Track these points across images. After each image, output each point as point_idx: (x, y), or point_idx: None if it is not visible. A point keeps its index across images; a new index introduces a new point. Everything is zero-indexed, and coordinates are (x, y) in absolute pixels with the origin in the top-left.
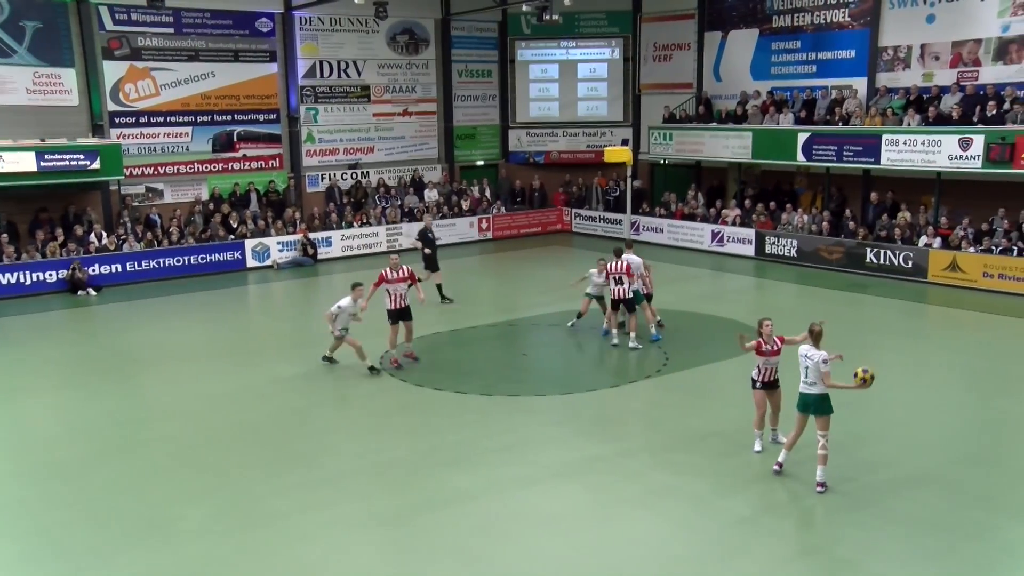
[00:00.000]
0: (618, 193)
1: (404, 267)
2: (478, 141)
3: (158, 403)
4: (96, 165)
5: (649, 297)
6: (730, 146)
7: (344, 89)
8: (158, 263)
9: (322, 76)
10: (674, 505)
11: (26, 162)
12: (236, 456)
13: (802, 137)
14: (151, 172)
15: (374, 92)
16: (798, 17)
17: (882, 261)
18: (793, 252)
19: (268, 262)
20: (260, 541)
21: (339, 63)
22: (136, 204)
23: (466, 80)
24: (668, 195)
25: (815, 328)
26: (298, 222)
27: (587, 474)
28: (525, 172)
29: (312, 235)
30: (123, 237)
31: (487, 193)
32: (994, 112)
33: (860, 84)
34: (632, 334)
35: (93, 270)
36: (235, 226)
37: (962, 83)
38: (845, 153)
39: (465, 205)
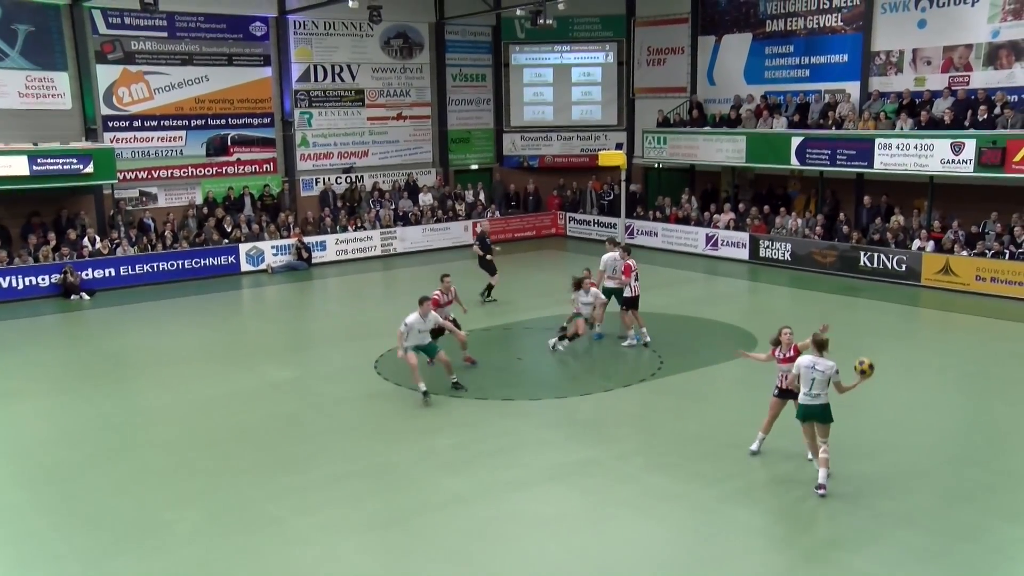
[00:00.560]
0: (611, 197)
1: (453, 288)
2: (472, 145)
3: (151, 407)
4: (89, 169)
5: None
6: (724, 150)
7: (338, 93)
8: (152, 267)
9: (316, 80)
10: (668, 508)
11: (18, 166)
12: (230, 460)
13: (795, 141)
14: (145, 176)
15: (368, 96)
16: (791, 21)
17: (875, 265)
18: (787, 256)
19: (262, 266)
20: (254, 545)
21: (333, 67)
22: (129, 208)
23: (460, 84)
24: (662, 199)
25: (819, 338)
26: (292, 226)
27: (581, 477)
28: (519, 176)
29: (306, 239)
30: (116, 241)
31: (481, 197)
32: (985, 116)
33: (853, 88)
34: (630, 332)
35: (86, 274)
36: (229, 230)
37: (953, 87)
38: (838, 157)
39: (459, 208)
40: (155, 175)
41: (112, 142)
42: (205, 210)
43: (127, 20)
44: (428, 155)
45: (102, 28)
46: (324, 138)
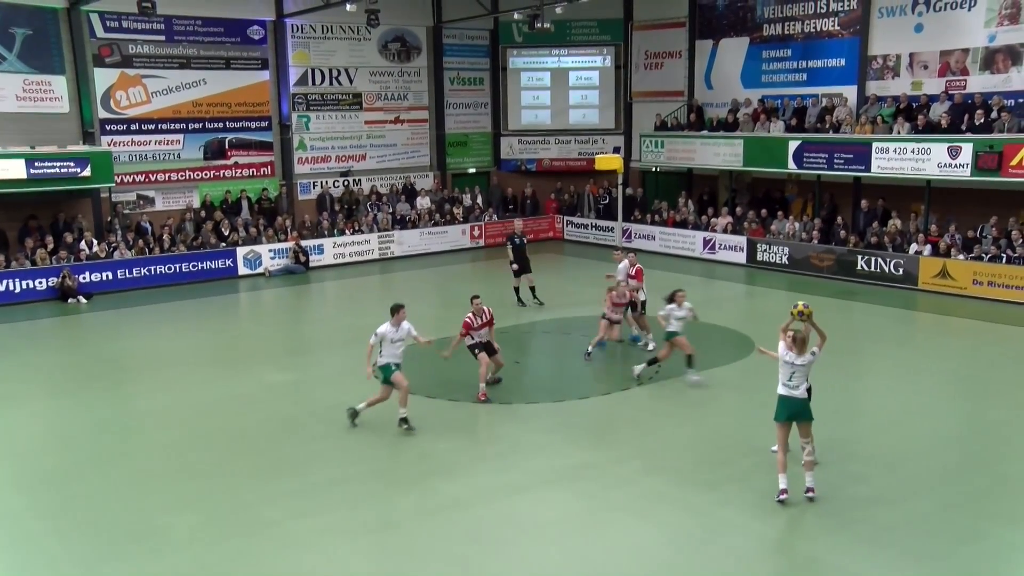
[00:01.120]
0: (608, 201)
1: (486, 309)
2: (470, 148)
3: (148, 411)
4: (86, 172)
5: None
6: (721, 154)
7: (336, 97)
8: (149, 271)
9: (314, 84)
10: (666, 512)
11: (15, 169)
12: (226, 464)
13: (793, 145)
14: (142, 179)
15: (366, 100)
16: (788, 26)
17: (873, 268)
18: (784, 259)
19: (260, 270)
20: (250, 549)
21: (331, 71)
22: (127, 212)
23: (458, 88)
24: (659, 203)
25: (798, 337)
26: (289, 230)
27: (578, 481)
28: (517, 179)
29: (304, 243)
30: (114, 245)
31: (479, 200)
32: (982, 120)
33: (850, 92)
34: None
35: (83, 278)
36: (226, 234)
37: (950, 92)
38: (836, 161)
39: (457, 211)
40: (152, 178)
41: (109, 145)
42: (203, 213)
43: (125, 24)
44: (426, 159)
45: (100, 32)
46: (322, 141)
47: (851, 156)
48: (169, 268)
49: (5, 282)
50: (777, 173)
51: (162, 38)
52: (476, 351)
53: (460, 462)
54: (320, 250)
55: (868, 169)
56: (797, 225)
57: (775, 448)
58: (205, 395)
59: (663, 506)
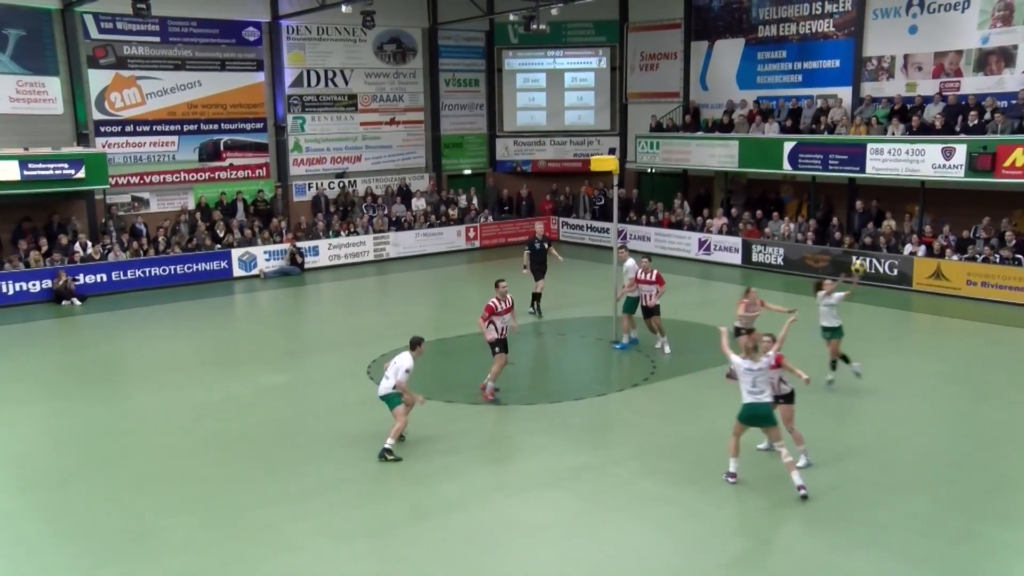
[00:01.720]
0: (603, 202)
1: (509, 296)
2: (465, 150)
3: (144, 413)
4: (81, 174)
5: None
6: (716, 155)
7: (331, 98)
8: (144, 272)
9: (309, 85)
10: (663, 513)
11: (9, 171)
12: (222, 466)
13: (788, 146)
14: (137, 181)
15: (361, 101)
16: (783, 27)
17: (868, 269)
18: (779, 260)
19: (255, 271)
20: (246, 552)
21: (326, 72)
22: (121, 213)
23: (453, 89)
24: (655, 204)
25: (748, 345)
26: (285, 231)
27: (575, 483)
28: (512, 181)
29: (299, 244)
30: (108, 246)
31: (474, 202)
32: (976, 122)
33: (845, 94)
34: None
35: (77, 280)
36: (222, 235)
37: (944, 93)
38: (830, 162)
39: (453, 212)
40: (147, 180)
41: (104, 147)
42: (198, 215)
43: (119, 25)
44: (421, 160)
45: (94, 33)
46: (317, 143)
47: (846, 157)
48: (164, 270)
49: None
50: (772, 174)
51: (157, 39)
52: (496, 349)
53: (456, 464)
54: (316, 252)
55: (863, 170)
56: (792, 226)
57: (762, 445)
58: (201, 397)
59: (660, 507)
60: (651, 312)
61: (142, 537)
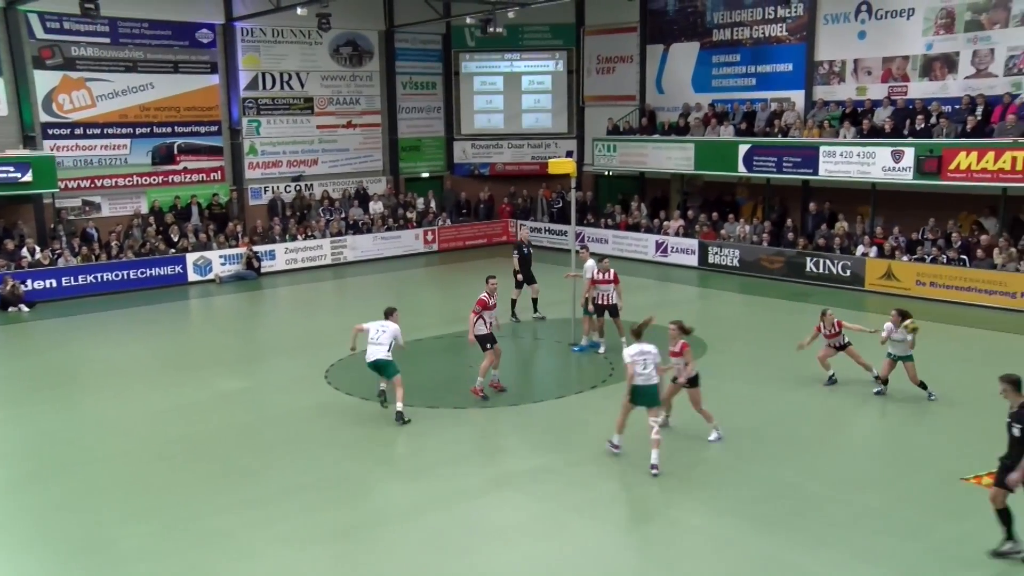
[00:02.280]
0: (561, 204)
1: (497, 293)
2: (423, 153)
3: (96, 421)
4: (28, 178)
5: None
6: (673, 157)
7: (287, 101)
8: (95, 278)
9: (264, 88)
10: (622, 513)
11: None
12: (179, 474)
13: (743, 149)
14: (88, 185)
15: (317, 104)
16: (737, 31)
17: (821, 270)
18: (735, 262)
19: (210, 276)
20: (204, 559)
21: (282, 75)
22: (72, 218)
23: (410, 92)
24: (612, 206)
25: (637, 328)
26: (241, 235)
27: (535, 484)
28: (470, 184)
29: (255, 248)
30: (58, 251)
31: (432, 205)
32: (923, 126)
33: (798, 97)
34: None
35: (25, 285)
36: (176, 240)
37: (893, 97)
38: (784, 164)
39: (411, 216)
40: (99, 184)
41: (52, 150)
42: (151, 219)
43: (66, 25)
44: (378, 163)
45: (39, 33)
46: (273, 146)
47: (799, 160)
48: (116, 275)
49: None
50: (728, 176)
51: (107, 40)
52: (489, 344)
53: (417, 467)
54: (272, 256)
55: (816, 172)
56: (748, 228)
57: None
58: (156, 404)
59: (619, 508)
60: (612, 312)
61: (97, 547)
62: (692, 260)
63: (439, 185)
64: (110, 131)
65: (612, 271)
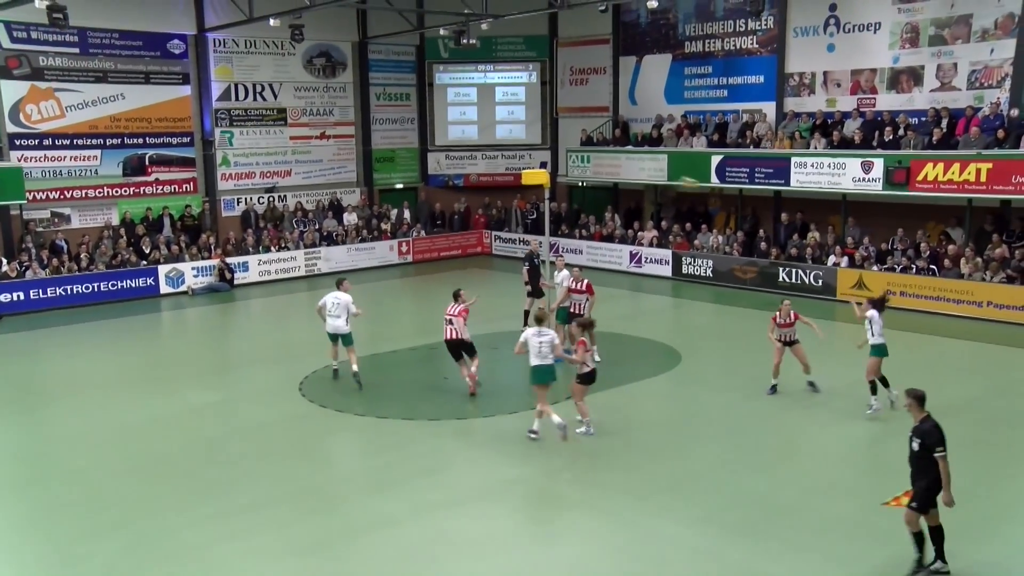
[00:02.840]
0: (535, 215)
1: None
2: (397, 164)
3: (63, 435)
4: None
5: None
6: (646, 168)
7: (260, 112)
8: (65, 290)
9: (237, 99)
10: (597, 525)
11: None
12: (147, 488)
13: (715, 159)
14: (57, 196)
15: (291, 115)
16: (709, 43)
17: (794, 280)
18: (709, 272)
19: (183, 288)
20: (173, 575)
21: (254, 86)
22: (40, 229)
23: (384, 103)
24: (586, 217)
25: (539, 314)
26: (213, 247)
27: (510, 496)
28: (445, 195)
29: (228, 260)
30: (26, 264)
31: (406, 216)
32: (891, 137)
33: (769, 108)
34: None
35: None
36: (148, 251)
37: (862, 109)
38: (756, 175)
39: (385, 227)
40: (68, 195)
41: (20, 161)
42: (122, 231)
43: (34, 35)
44: (352, 174)
45: (6, 42)
46: (246, 157)
47: (771, 171)
48: (87, 287)
49: None
50: (700, 187)
51: (76, 51)
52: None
53: (390, 479)
54: (245, 267)
55: (788, 183)
56: (720, 238)
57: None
58: (124, 418)
59: (594, 518)
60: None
61: (65, 563)
62: (666, 271)
63: (413, 196)
64: (80, 142)
65: (586, 281)
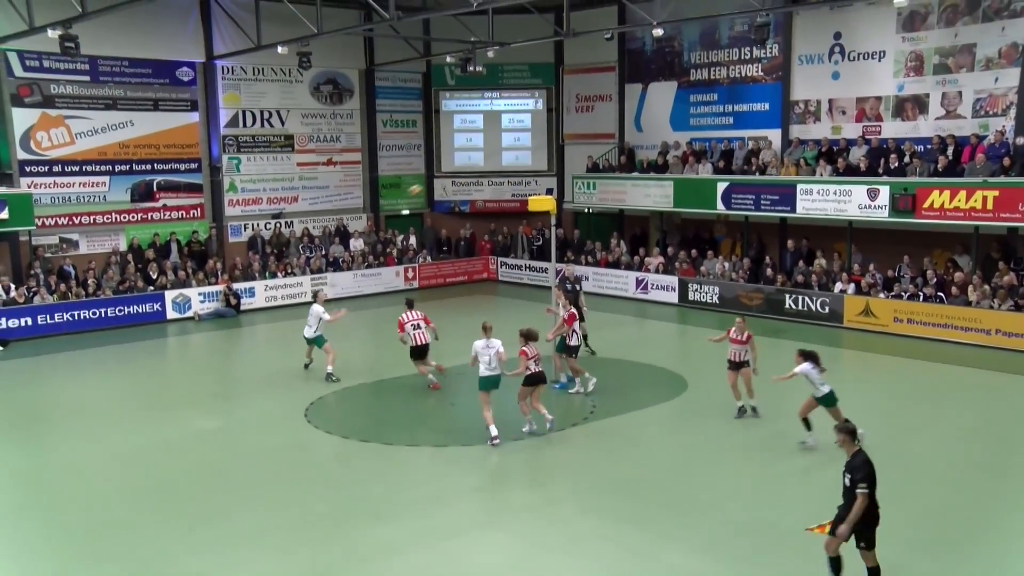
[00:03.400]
0: (541, 242)
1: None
2: (403, 190)
3: (67, 461)
4: (4, 215)
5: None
6: (652, 195)
7: (267, 138)
8: (72, 316)
9: (244, 125)
10: (602, 552)
11: None
12: (150, 514)
13: (721, 186)
14: (65, 222)
15: (298, 141)
16: (714, 71)
17: (800, 307)
18: (715, 299)
19: (189, 313)
20: None
21: (262, 112)
22: (48, 255)
23: (391, 130)
24: (592, 243)
25: (486, 324)
26: (220, 272)
27: (514, 523)
28: (450, 221)
29: (235, 285)
30: (34, 289)
31: (412, 242)
32: (896, 164)
33: (774, 135)
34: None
35: (0, 324)
36: (155, 277)
37: (867, 136)
38: (762, 202)
39: (392, 252)
40: (76, 221)
41: (30, 187)
42: (130, 256)
43: (46, 63)
44: (359, 200)
45: (18, 71)
46: (253, 183)
47: (777, 197)
48: (94, 313)
49: None
50: (706, 214)
51: (87, 78)
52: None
53: (393, 506)
54: (252, 293)
55: (793, 210)
56: (727, 265)
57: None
58: (129, 444)
59: (599, 546)
60: (569, 352)
61: None
62: (672, 297)
63: (419, 222)
64: (89, 168)
65: (571, 311)
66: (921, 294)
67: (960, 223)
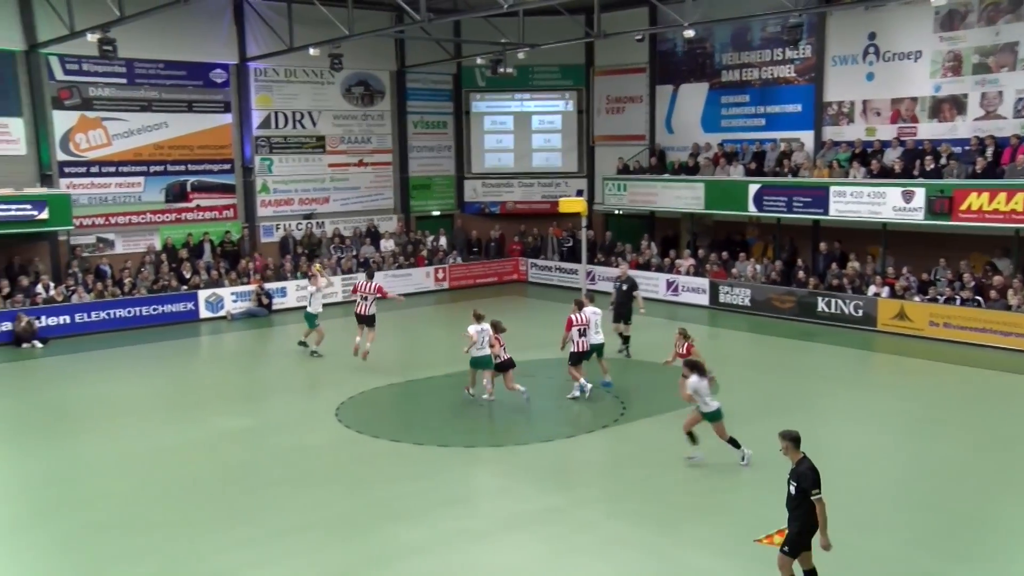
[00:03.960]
0: (571, 243)
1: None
2: (433, 191)
3: (99, 459)
4: (44, 215)
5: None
6: (682, 197)
7: (299, 140)
8: (108, 314)
9: (277, 127)
10: (629, 556)
11: None
12: (180, 513)
13: (753, 188)
14: (102, 222)
15: (329, 143)
16: (746, 72)
17: (833, 310)
18: (747, 301)
19: (222, 313)
20: None
21: (294, 114)
22: (86, 255)
23: (421, 131)
24: (622, 245)
25: (476, 312)
26: (252, 272)
27: (541, 525)
28: (480, 222)
29: (266, 285)
30: (72, 288)
31: (442, 243)
32: (932, 166)
33: (807, 137)
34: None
35: (39, 322)
36: (188, 276)
37: (902, 138)
38: (795, 204)
39: (423, 252)
40: (113, 221)
41: (68, 188)
42: (164, 256)
43: (85, 67)
44: (389, 201)
45: (59, 74)
46: (285, 184)
47: (810, 200)
48: (129, 311)
49: None
50: (738, 216)
51: (123, 81)
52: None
53: (421, 507)
54: (283, 293)
55: (826, 212)
56: (758, 267)
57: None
58: (160, 442)
59: (626, 549)
60: (572, 359)
61: None
62: (703, 299)
63: (449, 223)
64: (125, 169)
65: (570, 316)
66: (958, 297)
67: (1000, 226)
